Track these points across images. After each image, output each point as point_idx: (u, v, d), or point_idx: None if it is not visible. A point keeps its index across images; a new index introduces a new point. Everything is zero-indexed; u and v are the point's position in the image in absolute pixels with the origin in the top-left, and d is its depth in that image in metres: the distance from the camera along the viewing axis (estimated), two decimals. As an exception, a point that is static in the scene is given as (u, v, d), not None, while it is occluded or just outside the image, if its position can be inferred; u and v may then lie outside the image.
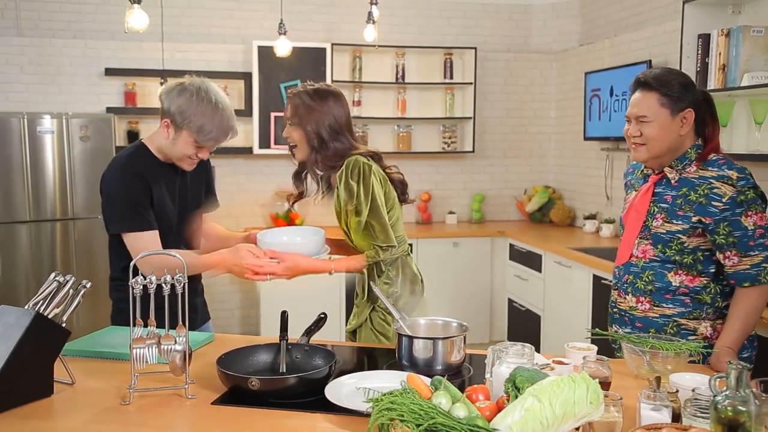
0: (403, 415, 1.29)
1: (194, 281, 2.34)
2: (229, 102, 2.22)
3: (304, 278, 2.28)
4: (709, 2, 3.57)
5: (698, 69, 3.58)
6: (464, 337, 1.86)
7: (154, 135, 2.26)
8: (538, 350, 1.77)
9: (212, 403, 1.62)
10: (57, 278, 1.71)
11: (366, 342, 2.31)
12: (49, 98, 5.05)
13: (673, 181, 2.07)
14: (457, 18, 5.75)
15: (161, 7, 4.50)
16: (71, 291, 1.72)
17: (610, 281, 3.74)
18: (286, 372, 1.79)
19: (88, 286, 1.76)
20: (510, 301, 5.19)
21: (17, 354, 1.56)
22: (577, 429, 1.28)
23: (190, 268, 2.12)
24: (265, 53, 5.14)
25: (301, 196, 2.44)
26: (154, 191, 2.20)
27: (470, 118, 5.54)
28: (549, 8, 5.82)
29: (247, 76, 5.26)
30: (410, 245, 2.40)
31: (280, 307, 5.21)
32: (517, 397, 1.37)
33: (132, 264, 1.63)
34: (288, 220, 5.29)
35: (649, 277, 2.08)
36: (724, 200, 1.96)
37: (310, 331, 1.96)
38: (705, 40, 3.55)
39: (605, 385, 1.63)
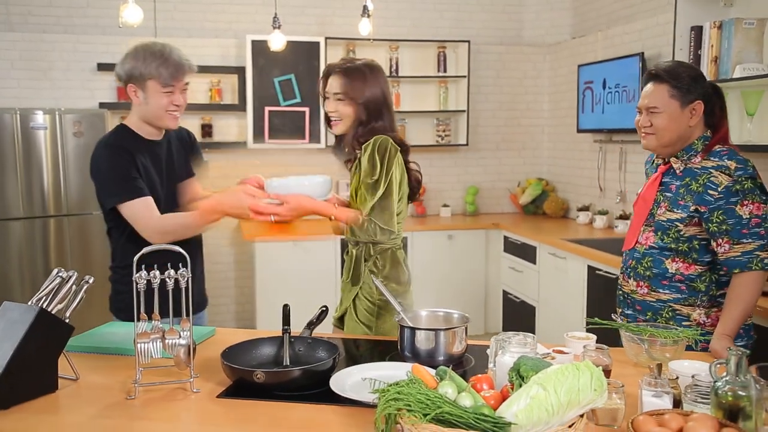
0: (410, 405, 1.31)
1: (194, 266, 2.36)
2: (177, 48, 2.28)
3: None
4: (701, -6, 3.60)
5: (691, 61, 3.60)
6: (465, 328, 1.88)
7: (130, 116, 2.33)
8: (534, 341, 1.79)
9: (217, 397, 1.64)
10: (60, 274, 1.71)
11: (352, 332, 2.31)
12: (41, 94, 5.03)
13: (678, 171, 2.13)
14: (450, 11, 5.75)
15: (154, 2, 4.49)
16: (74, 287, 1.73)
17: (605, 272, 3.80)
18: (290, 365, 1.80)
19: (91, 281, 1.77)
20: (505, 293, 5.22)
21: (22, 350, 1.56)
22: (582, 416, 1.30)
23: (192, 229, 2.22)
24: (259, 47, 5.13)
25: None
26: (138, 164, 2.24)
27: (464, 111, 5.56)
28: (542, 1, 5.84)
29: (240, 71, 5.25)
30: (404, 238, 2.40)
31: (275, 301, 5.22)
32: (521, 385, 1.38)
33: (136, 259, 1.63)
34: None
35: (648, 263, 2.15)
36: (719, 189, 2.01)
37: (312, 324, 1.98)
38: (697, 32, 3.57)
39: (606, 373, 1.65)
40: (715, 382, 1.36)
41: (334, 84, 2.26)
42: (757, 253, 1.99)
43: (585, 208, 5.22)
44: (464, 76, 5.54)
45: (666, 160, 2.19)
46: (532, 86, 5.93)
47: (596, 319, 1.93)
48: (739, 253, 1.99)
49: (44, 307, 1.64)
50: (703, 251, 2.08)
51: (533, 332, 4.66)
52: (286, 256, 4.94)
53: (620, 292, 2.28)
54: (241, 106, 5.25)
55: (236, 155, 5.35)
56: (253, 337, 1.95)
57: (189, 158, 2.47)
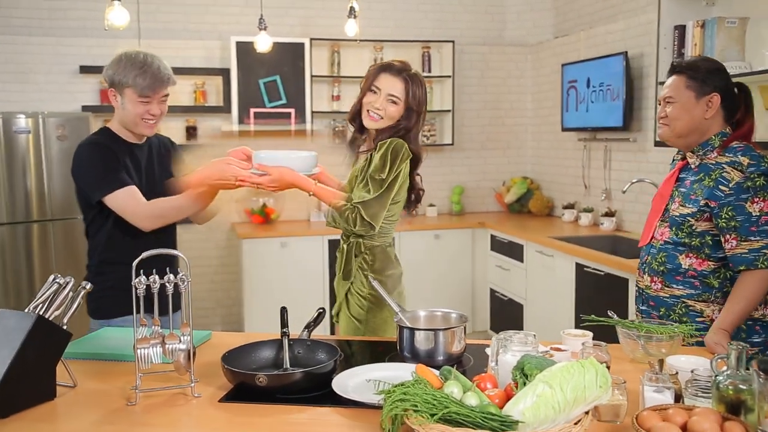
0: (416, 405, 1.31)
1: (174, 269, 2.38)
2: (160, 60, 2.33)
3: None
4: (684, -6, 3.65)
5: (675, 60, 3.65)
6: (464, 328, 1.89)
7: (113, 119, 2.38)
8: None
9: (219, 401, 1.63)
10: (57, 280, 1.70)
11: (346, 330, 2.35)
12: (22, 97, 4.96)
13: (693, 167, 2.16)
14: (433, 12, 5.77)
15: (138, 3, 4.45)
16: (71, 293, 1.71)
17: (594, 269, 3.84)
18: (290, 367, 1.79)
19: (88, 287, 1.75)
20: (492, 291, 5.25)
21: (20, 358, 1.54)
22: (587, 413, 1.31)
23: (184, 210, 2.26)
24: (243, 49, 5.11)
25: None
26: (120, 161, 2.29)
27: (449, 111, 5.58)
28: (523, 1, 5.88)
29: (224, 72, 5.22)
30: (393, 238, 2.45)
31: (263, 303, 5.21)
32: (525, 384, 1.39)
33: (135, 263, 1.62)
34: (263, 215, 5.28)
35: (662, 259, 2.16)
36: (730, 185, 2.02)
37: (310, 326, 1.97)
38: (681, 31, 3.62)
39: (605, 370, 1.67)
40: (716, 376, 1.38)
41: (393, 85, 2.27)
42: (764, 251, 1.98)
43: (570, 206, 5.26)
44: (449, 76, 5.56)
45: (683, 155, 2.21)
46: (515, 86, 5.97)
47: (593, 316, 1.95)
48: (746, 250, 2.00)
49: (41, 314, 1.63)
50: (715, 247, 2.07)
51: (521, 330, 4.70)
52: (274, 258, 4.93)
53: (637, 287, 2.30)
54: (225, 108, 5.23)
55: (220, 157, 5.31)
56: (251, 340, 1.94)
57: (170, 165, 2.49)
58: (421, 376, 1.44)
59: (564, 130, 5.22)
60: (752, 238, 1.99)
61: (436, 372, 1.51)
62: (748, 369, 1.35)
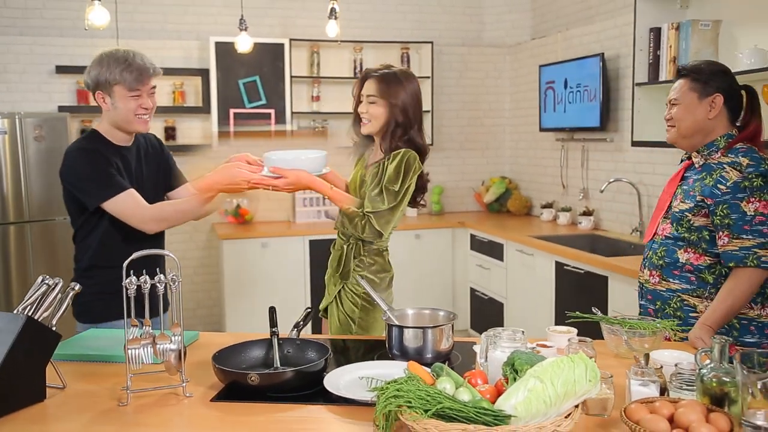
0: (410, 402, 1.33)
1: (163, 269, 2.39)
2: (141, 53, 2.33)
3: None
4: (659, -3, 3.72)
5: (650, 61, 3.73)
6: (452, 326, 1.91)
7: (100, 122, 2.36)
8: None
9: (211, 400, 1.63)
10: (46, 281, 1.69)
11: (337, 326, 2.40)
12: (-4, 97, 4.90)
13: (697, 166, 2.21)
14: (412, 13, 5.80)
15: (116, 3, 4.41)
16: (59, 295, 1.70)
17: (574, 267, 3.89)
18: (280, 367, 1.80)
19: (77, 288, 1.75)
20: (472, 290, 5.29)
21: (10, 359, 1.53)
22: (577, 406, 1.34)
23: (190, 214, 2.29)
24: (223, 49, 5.09)
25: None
26: (113, 165, 2.28)
27: (428, 111, 5.61)
28: (501, 2, 5.93)
29: (204, 73, 5.20)
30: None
31: (244, 304, 5.19)
32: (515, 379, 1.42)
33: (125, 264, 1.62)
34: (237, 216, 5.27)
35: (662, 253, 2.22)
36: (728, 184, 2.08)
37: (298, 326, 1.98)
38: (656, 33, 3.70)
39: (591, 365, 1.71)
40: (700, 369, 1.42)
41: (369, 87, 2.38)
42: (755, 250, 2.03)
43: (548, 206, 5.32)
44: (428, 77, 5.59)
45: (689, 156, 2.26)
46: (493, 86, 6.02)
47: (577, 312, 1.99)
48: (737, 248, 2.04)
49: (30, 315, 1.62)
50: (712, 242, 2.12)
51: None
52: (255, 258, 4.92)
53: (639, 282, 2.35)
54: (205, 109, 5.20)
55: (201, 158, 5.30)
56: (239, 340, 1.94)
57: (159, 165, 2.49)
58: (414, 372, 1.47)
59: (542, 130, 5.28)
60: (744, 237, 2.04)
61: (428, 369, 1.53)
62: (731, 362, 1.39)
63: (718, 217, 2.08)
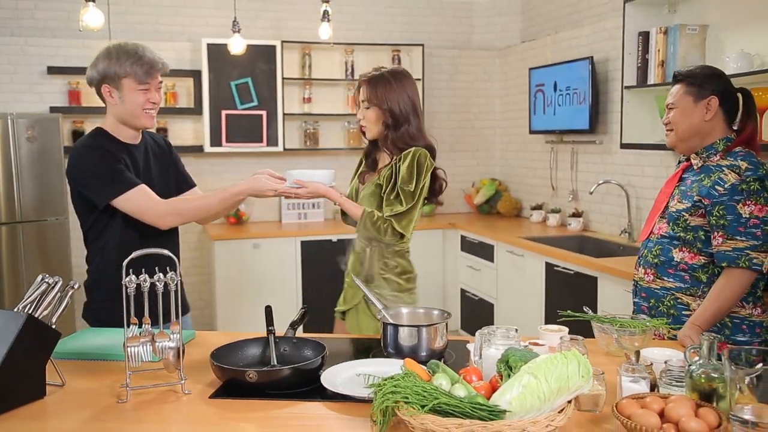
0: (407, 398, 1.36)
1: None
2: (149, 47, 2.34)
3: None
4: (647, 2, 3.77)
5: (639, 65, 3.78)
6: (446, 324, 1.94)
7: (106, 120, 2.33)
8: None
9: (210, 397, 1.65)
10: (45, 280, 1.71)
11: (366, 329, 2.44)
12: (-12, 97, 4.89)
13: (695, 167, 2.26)
14: (402, 16, 5.84)
15: (108, 4, 4.41)
16: (59, 293, 1.72)
17: (563, 268, 3.94)
18: (277, 364, 1.83)
19: (76, 286, 1.77)
20: (463, 291, 5.33)
21: (11, 357, 1.55)
22: (570, 402, 1.38)
23: (208, 212, 2.33)
24: (215, 51, 5.11)
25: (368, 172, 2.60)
26: (121, 161, 2.26)
27: (419, 113, 5.64)
28: (491, 5, 5.98)
29: (195, 74, 5.21)
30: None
31: (236, 304, 5.19)
32: (509, 376, 1.45)
33: (125, 263, 1.64)
34: (236, 217, 5.30)
35: (657, 251, 2.26)
36: (725, 186, 2.12)
37: (294, 325, 2.01)
38: (645, 37, 3.75)
39: (583, 362, 1.74)
40: (689, 366, 1.46)
41: (363, 93, 2.45)
42: (747, 251, 2.08)
43: (538, 207, 5.37)
44: (419, 79, 5.62)
45: (687, 158, 2.31)
46: (483, 89, 6.07)
47: (569, 311, 2.03)
48: (731, 249, 2.09)
49: (30, 313, 1.63)
50: (707, 242, 2.17)
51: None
52: (246, 259, 4.94)
53: (633, 281, 2.40)
54: (197, 110, 5.21)
55: (193, 159, 5.31)
56: (235, 339, 1.96)
57: (168, 166, 2.48)
58: (410, 369, 1.49)
59: (532, 132, 5.33)
60: (738, 238, 2.09)
61: (423, 366, 1.56)
62: (719, 359, 1.43)
63: (714, 218, 2.13)
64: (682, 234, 2.20)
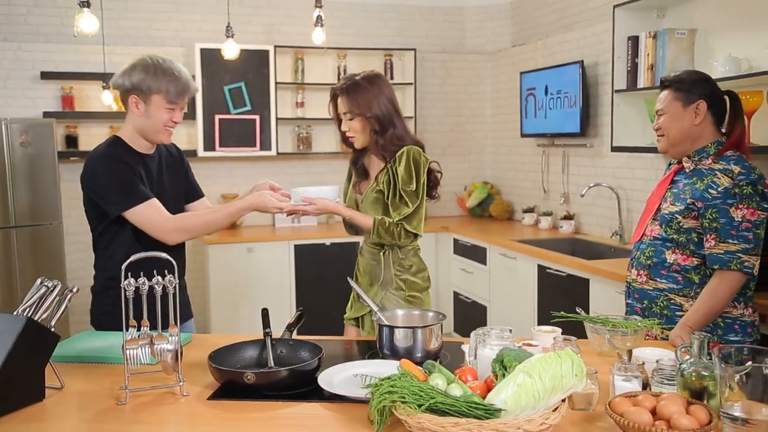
0: (404, 397, 1.38)
1: (180, 276, 2.44)
2: (184, 67, 2.36)
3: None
4: (636, 6, 3.82)
5: (629, 69, 3.82)
6: (441, 326, 1.97)
7: (124, 128, 2.35)
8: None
9: (208, 399, 1.67)
10: (45, 283, 1.72)
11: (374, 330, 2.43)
12: (-21, 103, 4.89)
13: (687, 170, 2.29)
14: (394, 20, 5.88)
15: (101, 10, 4.42)
16: (57, 297, 1.74)
17: (556, 270, 3.97)
18: (274, 366, 1.85)
19: (75, 290, 1.78)
20: (456, 294, 5.35)
21: (10, 360, 1.56)
22: (564, 400, 1.40)
23: (214, 226, 2.38)
24: (208, 55, 5.13)
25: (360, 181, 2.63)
26: (136, 172, 2.28)
27: (411, 117, 5.68)
28: (482, 10, 6.03)
29: (188, 79, 5.21)
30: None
31: (230, 308, 5.19)
32: (504, 375, 1.48)
33: (124, 267, 1.66)
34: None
35: (650, 253, 2.29)
36: (718, 190, 2.15)
37: (291, 327, 2.03)
38: (634, 41, 3.79)
39: (576, 362, 1.77)
40: (680, 364, 1.49)
41: (342, 105, 2.45)
42: (739, 254, 2.11)
43: (530, 210, 5.41)
44: (410, 83, 5.67)
45: (679, 161, 2.34)
46: (475, 93, 6.11)
47: (562, 312, 2.06)
48: (723, 251, 2.12)
49: (30, 316, 1.65)
50: (700, 244, 2.20)
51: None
52: (240, 263, 4.95)
53: (626, 282, 2.43)
54: (190, 115, 5.22)
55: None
56: (231, 342, 1.98)
57: (179, 175, 2.51)
58: (407, 369, 1.52)
59: (523, 136, 5.37)
60: (730, 241, 2.12)
61: (419, 367, 1.59)
62: (710, 358, 1.46)
63: (707, 221, 2.16)
64: (674, 236, 2.24)
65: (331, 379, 1.74)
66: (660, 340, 2.12)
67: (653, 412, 1.38)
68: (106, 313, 2.30)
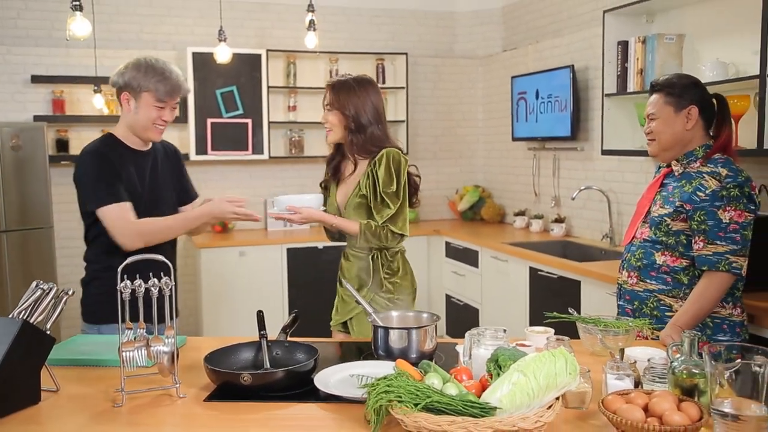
0: (401, 396, 1.40)
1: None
2: (177, 68, 2.44)
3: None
4: (625, 12, 3.86)
5: (619, 73, 3.86)
6: (435, 326, 1.98)
7: (118, 125, 2.42)
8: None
9: (205, 400, 1.68)
10: (40, 286, 1.72)
11: (365, 334, 2.45)
12: (-31, 107, 4.87)
13: (676, 173, 2.32)
14: (386, 24, 5.90)
15: (93, 13, 4.41)
16: (53, 300, 1.74)
17: (547, 272, 4.00)
18: (270, 367, 1.86)
19: (71, 293, 1.78)
20: (448, 297, 5.37)
21: (6, 362, 1.56)
22: (558, 398, 1.42)
23: (173, 231, 2.42)
24: (200, 59, 5.13)
25: (331, 179, 2.66)
26: (123, 173, 2.34)
27: (403, 121, 5.70)
28: (473, 15, 6.07)
29: (180, 83, 5.22)
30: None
31: (222, 312, 5.18)
32: (499, 374, 1.50)
33: (120, 268, 1.66)
34: (222, 225, 5.31)
35: (640, 255, 2.32)
36: (706, 192, 2.18)
37: (286, 329, 2.04)
38: (624, 46, 3.83)
39: (569, 362, 1.79)
40: (671, 362, 1.51)
41: (327, 96, 2.51)
42: (727, 256, 2.14)
43: (521, 213, 5.44)
44: (402, 87, 5.69)
45: (668, 164, 2.37)
46: (466, 97, 6.14)
47: (554, 313, 2.08)
48: (711, 253, 2.16)
49: (25, 319, 1.65)
50: (689, 246, 2.23)
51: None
52: (232, 267, 4.95)
53: (617, 284, 2.46)
54: (182, 118, 5.21)
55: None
56: (226, 344, 1.99)
57: (174, 174, 2.56)
58: (403, 369, 1.53)
59: (514, 139, 5.41)
60: (718, 242, 2.15)
61: (415, 367, 1.60)
62: (700, 356, 1.49)
63: (695, 223, 2.19)
64: (664, 238, 2.26)
65: (327, 379, 1.75)
66: (651, 340, 2.14)
67: (645, 409, 1.40)
68: (95, 302, 2.36)
